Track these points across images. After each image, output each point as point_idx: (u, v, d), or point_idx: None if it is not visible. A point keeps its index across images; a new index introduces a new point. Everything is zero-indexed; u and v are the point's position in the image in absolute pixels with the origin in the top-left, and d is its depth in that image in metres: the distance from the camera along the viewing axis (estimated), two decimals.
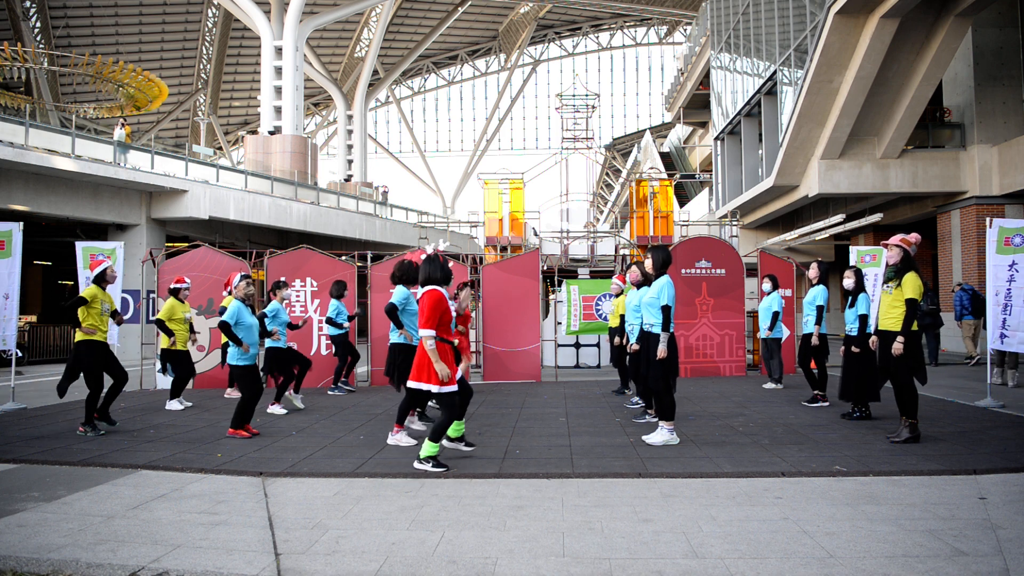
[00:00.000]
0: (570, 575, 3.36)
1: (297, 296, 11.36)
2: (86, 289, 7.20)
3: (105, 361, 7.10)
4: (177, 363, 8.83)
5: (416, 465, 5.32)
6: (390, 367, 6.80)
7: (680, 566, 3.42)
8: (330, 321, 10.11)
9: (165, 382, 10.51)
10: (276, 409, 8.31)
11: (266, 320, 8.24)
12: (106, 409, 7.28)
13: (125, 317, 11.60)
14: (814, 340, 8.37)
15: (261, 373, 8.76)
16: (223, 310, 8.47)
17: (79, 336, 6.96)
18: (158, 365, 9.06)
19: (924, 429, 6.47)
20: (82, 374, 6.97)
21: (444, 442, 5.77)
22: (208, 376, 11.06)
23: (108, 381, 7.21)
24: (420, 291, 5.47)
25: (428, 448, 5.30)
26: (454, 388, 5.31)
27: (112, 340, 11.05)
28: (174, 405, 8.76)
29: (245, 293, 7.14)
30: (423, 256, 5.59)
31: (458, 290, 7.29)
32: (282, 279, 9.30)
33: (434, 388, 5.26)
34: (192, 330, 9.04)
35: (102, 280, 7.19)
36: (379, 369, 11.33)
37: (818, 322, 8.39)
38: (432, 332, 5.21)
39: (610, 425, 7.29)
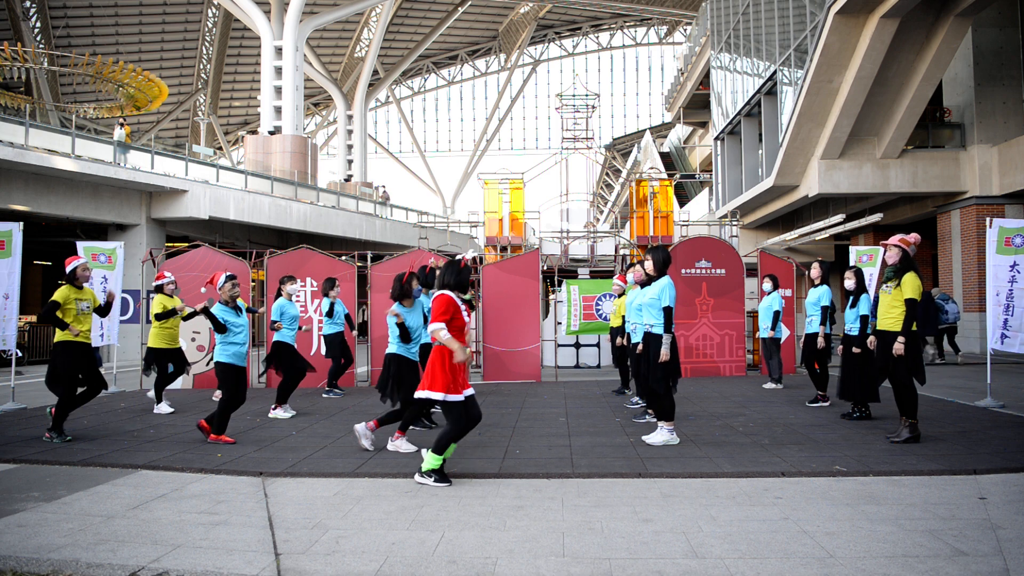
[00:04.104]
0: (570, 575, 3.36)
1: (298, 297, 11.35)
2: (58, 291, 6.82)
3: (83, 365, 6.77)
4: (170, 361, 8.76)
5: (417, 478, 5.00)
6: (384, 380, 6.36)
7: (680, 566, 3.42)
8: (330, 313, 10.05)
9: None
10: (279, 413, 8.14)
11: (275, 317, 8.40)
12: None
13: (125, 317, 11.64)
14: (820, 341, 8.36)
15: (263, 365, 8.73)
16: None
17: (58, 336, 6.69)
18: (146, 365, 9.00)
19: (924, 429, 6.47)
20: (56, 376, 6.72)
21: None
22: (208, 376, 11.06)
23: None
24: (433, 295, 5.25)
25: (431, 461, 4.97)
26: (459, 398, 4.99)
27: (112, 340, 11.12)
28: (163, 408, 8.57)
29: (230, 295, 6.91)
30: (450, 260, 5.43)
31: None
32: (290, 275, 9.20)
33: (438, 396, 4.93)
34: (187, 315, 8.87)
35: (73, 279, 6.87)
36: (379, 369, 11.33)
37: (823, 323, 8.39)
38: (442, 324, 4.94)
39: (610, 425, 7.29)
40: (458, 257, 5.45)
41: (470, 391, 5.12)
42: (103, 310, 7.29)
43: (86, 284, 7.02)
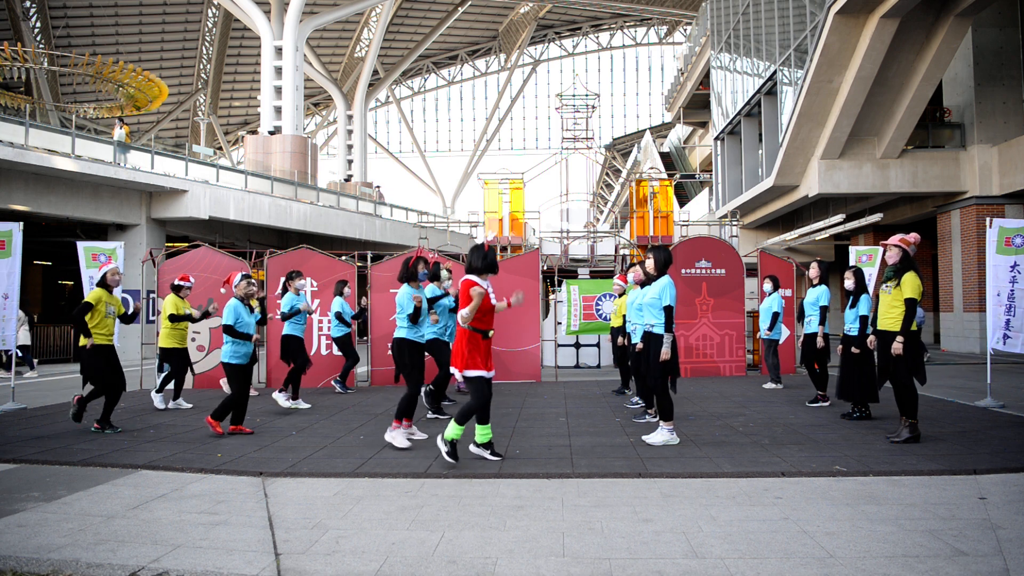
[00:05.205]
0: (570, 575, 3.36)
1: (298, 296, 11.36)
2: (91, 292, 7.15)
3: (111, 364, 7.06)
4: (173, 361, 8.80)
5: (472, 448, 5.58)
6: (400, 365, 6.65)
7: (680, 566, 3.42)
8: (339, 316, 10.21)
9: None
10: (280, 398, 8.52)
11: (287, 313, 8.87)
12: (107, 416, 7.20)
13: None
14: (819, 341, 8.36)
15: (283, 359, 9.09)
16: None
17: (83, 341, 6.93)
18: (159, 364, 9.08)
19: (924, 429, 6.47)
20: (91, 379, 7.01)
21: (473, 449, 5.69)
22: (208, 376, 11.06)
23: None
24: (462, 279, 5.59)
25: (452, 430, 5.37)
26: (481, 373, 5.36)
27: (113, 340, 11.11)
28: (158, 401, 8.70)
29: (245, 292, 7.15)
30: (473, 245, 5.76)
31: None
32: (296, 271, 9.46)
33: (458, 373, 5.37)
34: (192, 319, 8.97)
35: (104, 283, 7.18)
36: (379, 369, 11.38)
37: (822, 322, 8.39)
38: (461, 312, 5.36)
39: (610, 425, 7.29)
40: (480, 242, 5.66)
41: (490, 373, 5.52)
42: (127, 318, 7.49)
43: (115, 290, 7.33)
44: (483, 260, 5.46)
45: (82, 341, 6.95)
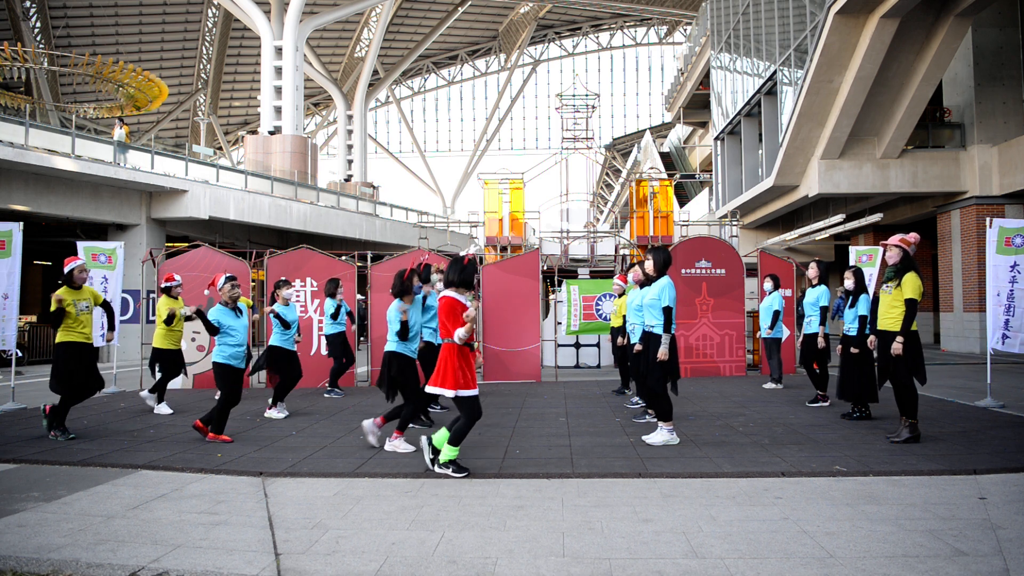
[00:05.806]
0: (570, 575, 3.36)
1: (297, 296, 11.35)
2: (56, 293, 6.83)
3: (84, 363, 6.85)
4: (168, 362, 8.70)
5: (437, 469, 5.22)
6: (383, 377, 6.36)
7: (680, 566, 3.42)
8: (334, 316, 10.04)
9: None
10: (273, 413, 8.16)
11: (277, 322, 8.45)
12: (62, 417, 6.93)
13: (125, 317, 11.64)
14: (820, 342, 8.36)
15: (252, 366, 8.76)
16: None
17: (60, 337, 6.77)
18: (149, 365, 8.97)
19: (924, 429, 6.47)
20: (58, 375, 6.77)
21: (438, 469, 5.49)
22: (208, 376, 11.05)
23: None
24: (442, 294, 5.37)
25: (448, 452, 5.18)
26: (473, 392, 5.14)
27: (114, 341, 11.10)
28: (163, 409, 8.55)
29: (230, 296, 6.95)
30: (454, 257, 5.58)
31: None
32: (283, 279, 9.15)
33: (449, 392, 5.09)
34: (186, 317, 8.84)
35: (70, 280, 6.92)
36: (379, 369, 11.34)
37: (822, 323, 8.40)
38: (460, 328, 5.09)
39: (610, 425, 7.29)
40: (461, 254, 5.54)
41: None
42: (107, 306, 7.36)
43: (84, 284, 7.08)
44: (460, 274, 5.28)
45: (61, 336, 6.77)
